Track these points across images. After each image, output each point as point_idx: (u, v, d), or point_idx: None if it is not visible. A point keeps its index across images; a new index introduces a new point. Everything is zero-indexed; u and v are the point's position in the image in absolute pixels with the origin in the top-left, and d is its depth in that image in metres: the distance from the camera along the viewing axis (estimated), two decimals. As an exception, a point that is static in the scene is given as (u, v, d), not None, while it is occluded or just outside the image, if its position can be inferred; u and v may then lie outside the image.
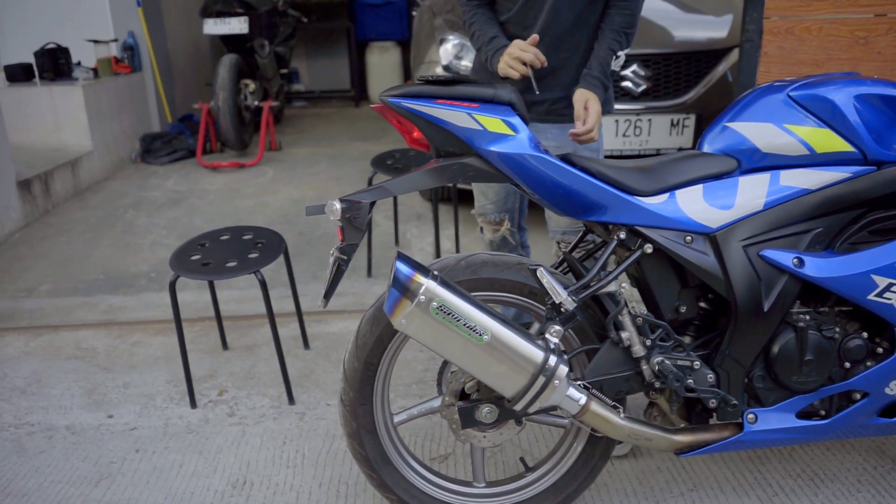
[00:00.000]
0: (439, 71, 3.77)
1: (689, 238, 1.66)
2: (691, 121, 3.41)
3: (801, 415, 1.75)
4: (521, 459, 1.88)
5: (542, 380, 1.53)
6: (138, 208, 4.53)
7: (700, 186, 1.67)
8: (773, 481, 2.02)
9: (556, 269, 1.96)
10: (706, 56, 3.44)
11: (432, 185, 1.69)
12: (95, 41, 5.32)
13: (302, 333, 2.82)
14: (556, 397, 1.56)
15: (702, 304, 1.76)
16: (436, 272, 1.54)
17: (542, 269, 1.61)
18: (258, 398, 2.53)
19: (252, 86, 5.69)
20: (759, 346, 1.69)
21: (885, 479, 2.00)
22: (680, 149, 3.48)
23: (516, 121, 1.61)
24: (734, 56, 3.48)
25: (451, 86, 1.64)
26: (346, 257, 1.66)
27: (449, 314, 1.50)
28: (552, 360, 1.54)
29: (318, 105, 7.98)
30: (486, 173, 1.66)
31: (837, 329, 1.70)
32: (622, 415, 1.65)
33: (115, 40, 5.54)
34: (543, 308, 1.74)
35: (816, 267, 1.65)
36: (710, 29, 3.45)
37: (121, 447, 2.27)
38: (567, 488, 1.83)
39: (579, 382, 1.63)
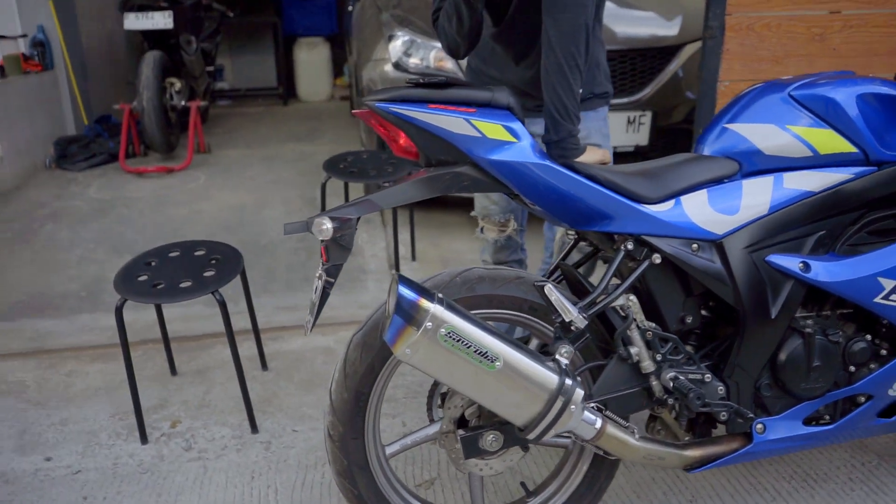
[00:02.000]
0: (388, 69, 3.61)
1: (695, 246, 1.58)
2: (647, 118, 3.38)
3: (808, 421, 1.71)
4: (522, 484, 1.77)
5: (557, 406, 1.42)
6: (58, 220, 4.17)
7: (704, 191, 1.60)
8: (768, 486, 1.98)
9: (550, 278, 1.86)
10: (659, 53, 3.42)
11: (423, 197, 1.56)
12: (1, 37, 4.87)
13: (259, 354, 2.62)
14: (572, 423, 1.46)
15: (703, 313, 1.69)
16: (440, 295, 1.40)
17: (549, 285, 1.49)
18: (217, 428, 2.32)
19: (178, 84, 5.36)
20: (767, 354, 1.63)
21: (874, 476, 2.00)
22: (637, 146, 3.45)
23: (517, 126, 1.49)
24: (686, 53, 3.47)
25: (444, 89, 1.50)
26: (332, 279, 1.50)
27: (458, 341, 1.36)
28: (567, 384, 1.43)
29: (245, 104, 7.65)
30: (482, 183, 1.53)
31: (841, 333, 1.66)
32: (636, 435, 1.56)
33: (24, 36, 5.11)
34: (543, 324, 1.63)
35: (822, 271, 1.61)
36: (662, 26, 3.43)
37: (65, 496, 2.03)
38: (575, 508, 1.73)
39: (592, 404, 1.53)
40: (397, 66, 3.58)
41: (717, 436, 1.70)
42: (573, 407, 1.43)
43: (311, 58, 7.63)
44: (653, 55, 3.39)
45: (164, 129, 5.13)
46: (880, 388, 1.68)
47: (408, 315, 1.35)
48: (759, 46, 2.77)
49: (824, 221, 1.64)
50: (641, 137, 3.40)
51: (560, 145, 1.71)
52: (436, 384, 1.72)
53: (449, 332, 1.36)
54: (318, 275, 1.51)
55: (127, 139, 5.19)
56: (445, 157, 1.53)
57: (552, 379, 1.42)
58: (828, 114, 1.60)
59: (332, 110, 7.27)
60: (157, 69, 5.04)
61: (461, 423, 1.64)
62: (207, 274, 2.17)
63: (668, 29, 3.43)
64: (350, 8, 5.46)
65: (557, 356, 1.49)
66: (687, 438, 1.71)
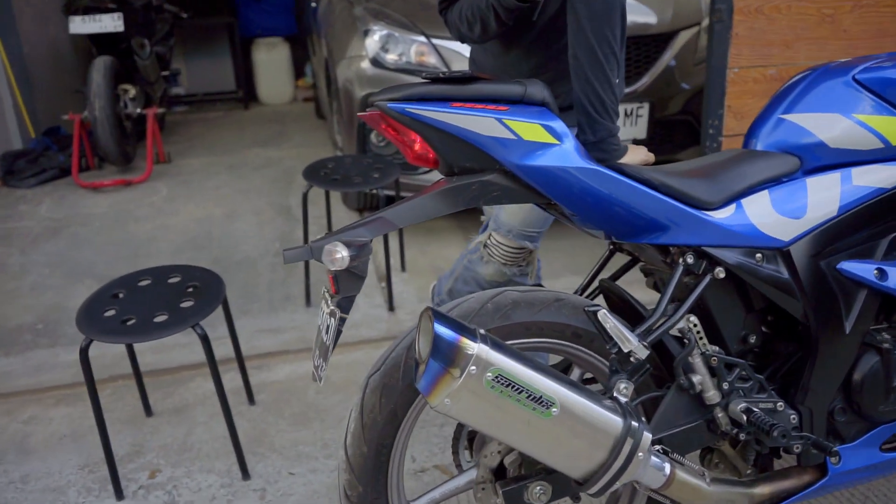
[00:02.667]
0: (365, 66, 3.36)
1: (759, 255, 1.38)
2: (645, 110, 3.19)
3: (885, 446, 1.52)
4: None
5: (624, 454, 1.20)
6: (8, 243, 3.81)
7: (766, 193, 1.40)
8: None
9: (582, 296, 1.65)
10: (653, 41, 3.23)
11: (446, 212, 1.33)
12: (-67, 46, 4.48)
13: (245, 386, 2.35)
14: (639, 472, 1.24)
15: (764, 330, 1.50)
16: (482, 331, 1.17)
17: (604, 311, 1.27)
18: (202, 476, 2.06)
19: (132, 91, 5.01)
20: (842, 374, 1.44)
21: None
22: (635, 140, 3.26)
23: (558, 125, 1.27)
24: (680, 41, 3.29)
25: (466, 84, 1.27)
26: (346, 315, 1.26)
27: (508, 385, 1.14)
28: (634, 426, 1.21)
29: (203, 109, 7.28)
30: (514, 192, 1.31)
31: (921, 345, 1.48)
32: (708, 479, 1.35)
33: (-42, 44, 4.71)
34: (588, 352, 1.42)
35: (900, 278, 1.42)
36: (654, 13, 3.25)
37: (31, 570, 1.75)
38: (627, 565, 1.52)
39: (657, 447, 1.32)
40: (375, 62, 3.33)
41: (784, 468, 1.51)
42: (641, 454, 1.21)
43: (271, 59, 7.30)
44: (647, 43, 3.20)
45: (120, 140, 4.78)
46: (962, 405, 1.50)
47: (447, 359, 1.12)
48: (768, 30, 2.60)
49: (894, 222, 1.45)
50: (639, 131, 3.21)
51: (599, 147, 1.49)
52: (462, 424, 1.49)
53: (497, 377, 1.13)
54: (327, 310, 1.27)
55: (79, 152, 4.83)
56: (471, 164, 1.30)
57: (616, 423, 1.20)
58: (899, 99, 1.41)
59: (297, 113, 6.96)
60: (109, 75, 4.69)
61: (499, 472, 1.41)
62: (185, 305, 1.90)
63: (660, 15, 3.24)
64: (314, 4, 5.17)
65: (616, 394, 1.27)
66: (749, 472, 1.51)
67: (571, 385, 1.20)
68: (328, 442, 2.16)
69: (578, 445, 1.19)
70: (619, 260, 1.66)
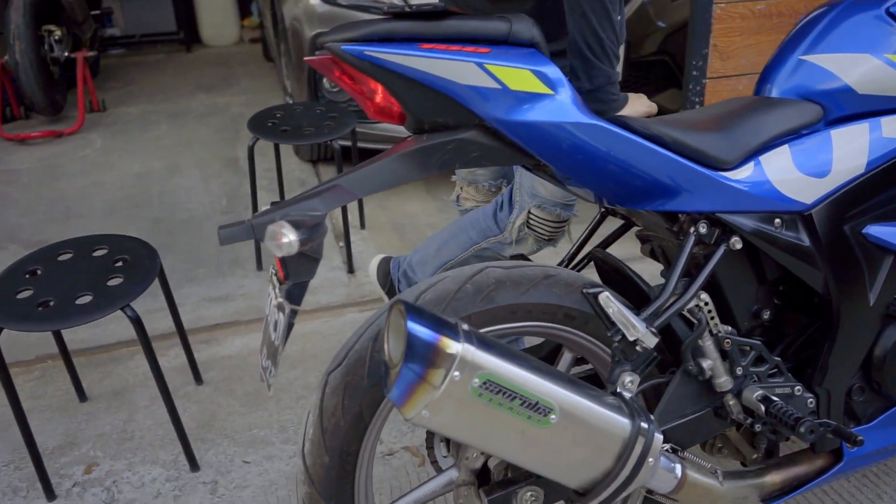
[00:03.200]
0: (314, 2, 3.04)
1: (778, 221, 1.19)
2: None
3: (901, 426, 1.38)
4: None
5: (633, 460, 1.03)
6: (-78, 203, 3.45)
7: (786, 147, 1.21)
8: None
9: (569, 266, 1.45)
10: (628, -27, 2.98)
11: (415, 177, 1.11)
12: None
13: (190, 364, 2.12)
14: (648, 478, 1.07)
15: (776, 304, 1.33)
16: (465, 326, 0.96)
17: (607, 293, 1.08)
18: (146, 468, 1.84)
19: (58, 32, 4.56)
20: (864, 350, 1.29)
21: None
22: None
23: (552, 71, 1.04)
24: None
25: (438, 20, 1.04)
26: (297, 306, 1.04)
27: (499, 392, 0.94)
28: (643, 428, 1.03)
29: (141, 52, 6.76)
30: (496, 152, 1.10)
31: (944, 315, 1.33)
32: (720, 477, 1.19)
33: None
34: (582, 335, 1.23)
35: (931, 242, 1.25)
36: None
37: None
38: (624, 565, 1.36)
39: (667, 446, 1.15)
40: (329, -3, 3.01)
41: (794, 453, 1.36)
42: (651, 459, 1.04)
43: (214, -5, 6.79)
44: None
45: (47, 87, 4.36)
46: None
47: (424, 363, 0.91)
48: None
49: (925, 177, 1.28)
50: (614, 73, 2.98)
51: (596, 96, 1.28)
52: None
53: (485, 383, 0.93)
54: (274, 301, 1.05)
55: (2, 101, 4.40)
56: (445, 119, 1.08)
57: (623, 425, 1.02)
58: (938, 36, 1.22)
59: (244, 55, 6.52)
60: (29, 15, 4.23)
61: (482, 474, 1.23)
62: (113, 282, 1.65)
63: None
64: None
65: (620, 389, 1.08)
66: (755, 458, 1.36)
67: (571, 384, 1.01)
68: (285, 424, 1.96)
69: (580, 454, 1.01)
70: (611, 224, 1.46)
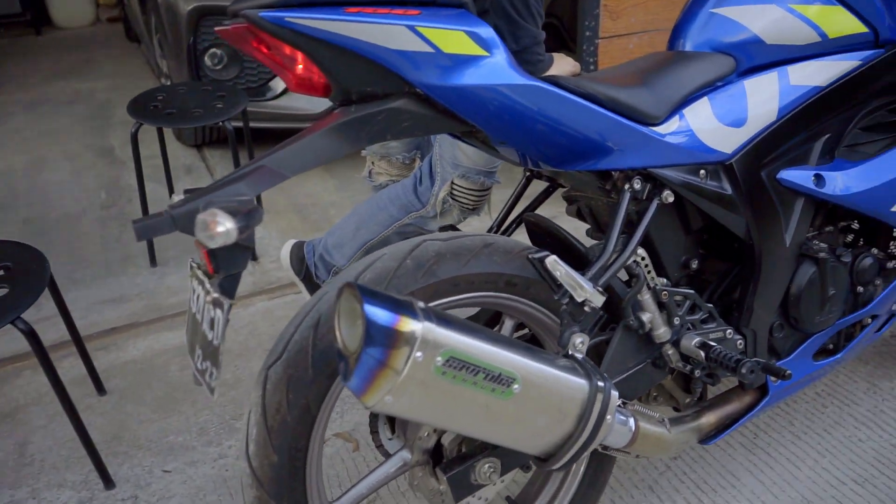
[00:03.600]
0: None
1: (703, 172, 1.22)
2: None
3: (816, 355, 1.47)
4: (509, 499, 1.38)
5: (593, 419, 1.02)
6: None
7: (706, 100, 1.23)
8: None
9: (494, 232, 1.44)
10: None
11: (346, 151, 1.05)
12: None
13: (90, 373, 1.95)
14: (607, 435, 1.07)
15: (701, 252, 1.37)
16: (421, 304, 0.92)
17: (554, 258, 1.06)
18: (52, 493, 1.68)
19: None
20: (783, 289, 1.35)
21: (841, 387, 1.86)
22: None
23: (486, 31, 1.01)
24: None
25: (363, -20, 0.97)
26: (231, 299, 0.96)
27: (462, 368, 0.90)
28: (599, 387, 1.03)
29: (-18, 37, 6.13)
30: (429, 121, 1.06)
31: (850, 251, 1.42)
32: (668, 425, 1.22)
33: None
34: (524, 301, 1.22)
35: (837, 183, 1.33)
36: None
37: None
38: (576, 521, 1.39)
39: (620, 402, 1.15)
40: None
41: (724, 393, 1.42)
42: (609, 417, 1.04)
43: (61, -27, 6.23)
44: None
45: None
46: (884, 306, 1.48)
47: (385, 347, 0.86)
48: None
49: (826, 122, 1.35)
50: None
51: (523, 57, 1.25)
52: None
53: (448, 360, 0.89)
54: (205, 297, 0.96)
55: None
56: (374, 88, 1.02)
57: (581, 386, 1.02)
58: (838, -14, 1.28)
59: (102, 36, 6.04)
60: None
61: (436, 453, 1.20)
62: (-3, 293, 1.48)
63: None
64: None
65: (572, 351, 1.08)
66: (688, 401, 1.41)
67: (527, 352, 0.99)
68: (205, 426, 1.85)
69: (543, 420, 1.00)
70: (536, 187, 1.45)
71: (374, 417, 1.28)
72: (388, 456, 1.25)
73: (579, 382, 1.02)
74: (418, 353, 0.86)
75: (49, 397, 1.95)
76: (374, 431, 1.28)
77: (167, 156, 2.70)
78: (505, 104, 1.02)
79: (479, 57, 1.00)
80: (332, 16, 0.94)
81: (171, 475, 1.71)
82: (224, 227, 0.86)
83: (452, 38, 0.98)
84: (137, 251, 2.61)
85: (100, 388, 1.96)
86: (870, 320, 1.49)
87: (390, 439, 1.29)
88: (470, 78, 1.00)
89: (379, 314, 0.85)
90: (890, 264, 1.46)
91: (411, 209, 1.75)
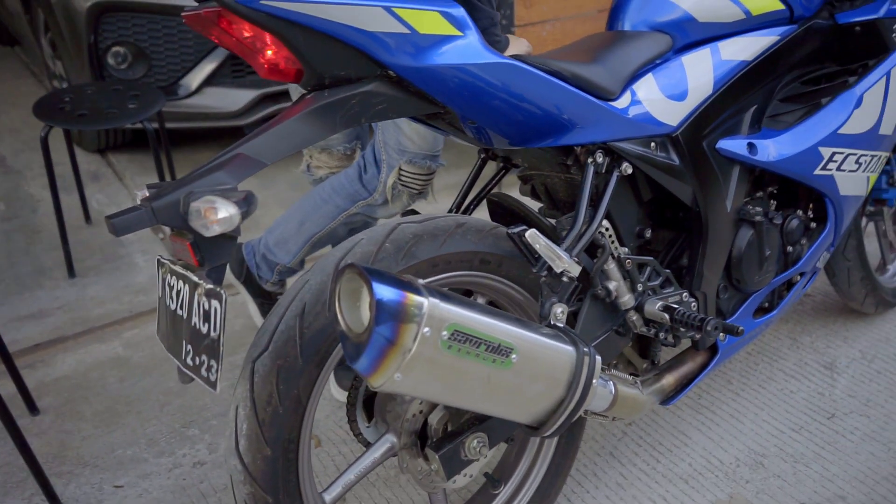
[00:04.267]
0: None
1: (653, 144, 1.29)
2: None
3: (755, 313, 1.59)
4: (487, 475, 1.41)
5: (581, 385, 1.07)
6: None
7: (650, 76, 1.30)
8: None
9: (458, 211, 1.46)
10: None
11: (321, 137, 1.06)
12: None
13: (21, 391, 1.82)
14: (592, 399, 1.12)
15: (650, 222, 1.44)
16: (422, 281, 0.93)
17: (533, 231, 1.10)
18: (-7, 522, 1.57)
19: None
20: (726, 252, 1.45)
21: (767, 343, 2.01)
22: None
23: (459, 12, 1.03)
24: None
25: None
26: (221, 289, 0.94)
27: (466, 341, 0.92)
28: (584, 352, 1.07)
29: None
30: (401, 103, 1.07)
31: (779, 214, 1.53)
32: (640, 387, 1.28)
33: None
34: (498, 279, 1.25)
35: (767, 150, 1.44)
36: None
37: None
38: (553, 488, 1.43)
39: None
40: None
41: (678, 355, 1.50)
42: (595, 381, 1.09)
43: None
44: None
45: None
46: (810, 263, 1.61)
47: (395, 325, 0.87)
48: None
49: (755, 94, 1.45)
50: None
51: None
52: (355, 391, 1.25)
53: (453, 334, 0.91)
54: (198, 291, 0.93)
55: None
56: (347, 71, 1.02)
57: (569, 353, 1.06)
58: (757, -33, 1.38)
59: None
60: None
61: (421, 434, 1.22)
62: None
63: None
64: None
65: (554, 321, 1.12)
66: (645, 366, 1.49)
67: (519, 323, 1.02)
68: (154, 437, 1.77)
69: (537, 388, 1.03)
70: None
71: (350, 407, 1.27)
72: (367, 444, 1.25)
73: (567, 349, 1.06)
74: (426, 329, 0.88)
75: (-26, 423, 1.81)
76: (352, 420, 1.28)
77: (76, 160, 2.55)
78: (479, 83, 1.04)
79: (453, 37, 1.01)
80: (309, -2, 0.93)
81: (124, 490, 1.63)
82: (226, 212, 0.84)
83: (427, 18, 0.99)
84: (52, 263, 2.45)
85: (32, 408, 1.84)
86: (798, 277, 1.61)
87: (368, 427, 1.29)
88: (445, 58, 1.01)
89: (387, 292, 0.86)
90: (812, 225, 1.59)
91: (358, 198, 1.74)
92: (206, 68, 2.82)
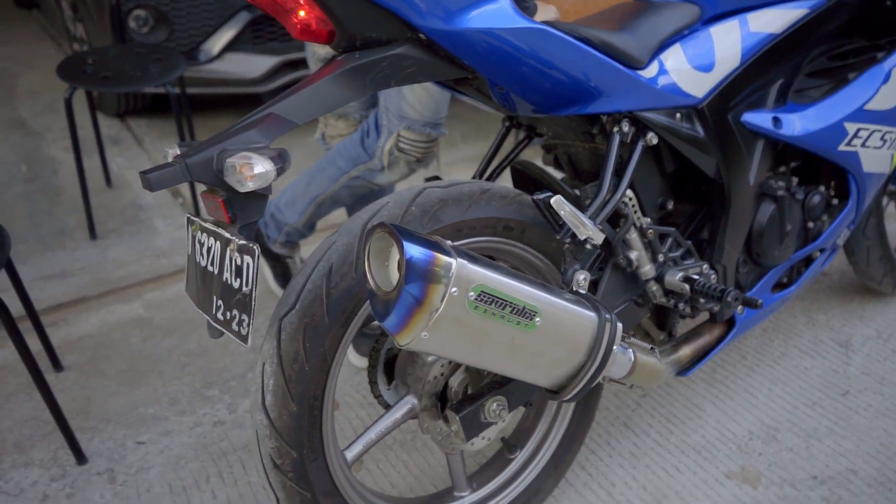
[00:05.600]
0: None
1: (678, 115, 1.29)
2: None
3: (774, 288, 1.59)
4: (504, 440, 1.44)
5: (601, 350, 1.08)
6: None
7: (678, 46, 1.30)
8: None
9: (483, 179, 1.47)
10: None
11: (351, 99, 1.07)
12: None
13: (46, 348, 1.86)
14: (612, 365, 1.13)
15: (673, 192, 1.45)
16: (449, 242, 0.94)
17: (559, 197, 1.11)
18: (19, 473, 1.61)
19: None
20: (747, 226, 1.45)
21: (783, 320, 2.01)
22: None
23: (491, -26, 1.02)
24: None
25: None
26: (254, 244, 0.95)
27: (492, 302, 0.94)
28: (606, 318, 1.09)
29: None
30: (431, 67, 1.08)
31: (802, 188, 1.53)
32: (658, 355, 1.30)
33: None
34: (521, 245, 1.26)
35: (793, 124, 1.43)
36: None
37: None
38: (568, 454, 1.46)
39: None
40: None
41: (696, 327, 1.52)
42: (616, 347, 1.10)
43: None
44: None
45: None
46: (830, 240, 1.61)
47: (424, 284, 0.88)
48: None
49: (782, 68, 1.44)
50: None
51: None
52: (376, 354, 1.27)
53: (480, 294, 0.92)
54: (231, 247, 0.95)
55: None
56: (379, 33, 1.03)
57: (591, 319, 1.07)
58: (788, -70, 1.37)
59: (-12, 2, 5.60)
60: None
61: (441, 397, 1.24)
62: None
63: None
64: None
65: (576, 287, 1.13)
66: (662, 337, 1.50)
67: (543, 287, 1.03)
68: (175, 396, 1.81)
69: (559, 352, 1.05)
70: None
71: (371, 370, 1.29)
72: (387, 406, 1.27)
73: (589, 315, 1.07)
74: (454, 289, 0.89)
75: (1, 376, 1.86)
76: (372, 382, 1.30)
77: (98, 123, 2.57)
78: (509, 48, 1.04)
79: (484, 1, 1.01)
80: (343, -42, 0.93)
81: (146, 446, 1.67)
82: (262, 168, 0.86)
83: (461, -19, 0.99)
84: (73, 224, 2.48)
85: (56, 365, 1.88)
86: (818, 254, 1.61)
87: (388, 389, 1.31)
88: (476, 22, 1.01)
89: (417, 252, 0.87)
90: (834, 201, 1.59)
91: (359, 161, 1.75)
92: (227, 34, 2.82)
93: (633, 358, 1.20)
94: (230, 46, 2.84)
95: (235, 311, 0.94)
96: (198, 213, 2.49)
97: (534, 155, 1.86)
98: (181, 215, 2.57)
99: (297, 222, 1.85)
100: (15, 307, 1.65)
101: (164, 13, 2.77)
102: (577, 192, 1.28)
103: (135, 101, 3.19)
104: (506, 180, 1.48)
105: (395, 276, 0.91)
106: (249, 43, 2.87)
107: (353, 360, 1.85)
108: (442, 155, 1.82)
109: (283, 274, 1.97)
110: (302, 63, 2.86)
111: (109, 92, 2.58)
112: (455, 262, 0.90)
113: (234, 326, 0.94)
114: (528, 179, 1.38)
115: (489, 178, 1.46)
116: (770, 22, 1.38)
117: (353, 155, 1.78)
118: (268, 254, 1.96)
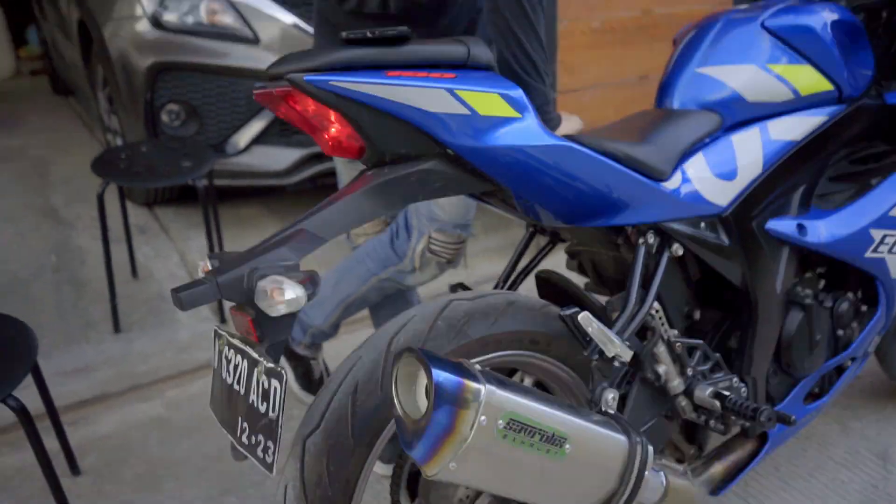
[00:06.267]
0: (143, 28, 2.79)
1: (703, 225, 1.29)
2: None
3: (806, 399, 1.55)
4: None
5: (633, 476, 1.04)
6: None
7: (700, 155, 1.31)
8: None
9: (505, 288, 1.46)
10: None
11: (381, 214, 1.07)
12: None
13: (64, 451, 1.84)
14: (643, 491, 1.09)
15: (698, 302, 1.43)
16: (478, 366, 0.93)
17: (586, 314, 1.09)
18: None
19: None
20: (776, 335, 1.42)
21: (817, 431, 1.95)
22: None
23: (518, 94, 1.05)
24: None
25: (400, 44, 1.00)
26: (279, 367, 0.94)
27: (521, 430, 0.91)
28: (636, 442, 1.05)
29: None
30: (458, 181, 1.09)
31: (829, 296, 1.51)
32: (691, 477, 1.25)
33: None
34: (546, 359, 1.24)
35: (818, 231, 1.42)
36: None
37: None
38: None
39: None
40: (157, 23, 2.77)
41: (725, 443, 1.47)
42: (647, 473, 1.06)
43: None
44: None
45: None
46: (862, 348, 1.57)
47: (453, 412, 0.86)
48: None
49: (804, 174, 1.45)
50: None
51: None
52: (399, 470, 1.24)
53: (509, 423, 0.90)
54: (258, 368, 0.94)
55: None
56: (407, 149, 1.05)
57: (622, 443, 1.04)
58: (806, 47, 1.40)
59: (25, 89, 5.85)
60: None
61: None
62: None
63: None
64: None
65: (605, 407, 1.10)
66: (692, 452, 1.45)
67: (571, 410, 1.00)
68: (191, 502, 1.76)
69: (590, 480, 1.01)
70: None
71: (395, 486, 1.26)
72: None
73: (620, 439, 1.04)
74: (483, 417, 0.87)
75: (18, 481, 1.83)
76: (395, 501, 1.26)
77: (127, 213, 2.62)
78: (535, 164, 1.05)
79: (512, 119, 1.03)
80: (374, 80, 0.96)
81: (161, 556, 1.62)
82: (293, 294, 0.86)
83: (488, 100, 1.01)
84: (99, 317, 2.50)
85: (74, 468, 1.85)
86: (849, 362, 1.57)
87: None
88: (504, 139, 1.03)
89: (448, 379, 0.86)
90: (863, 308, 1.56)
91: (388, 263, 1.76)
92: (255, 127, 2.91)
93: (664, 482, 1.16)
94: (257, 140, 2.92)
95: (261, 437, 0.92)
96: (222, 316, 2.50)
97: (556, 254, 1.86)
98: (204, 307, 2.58)
99: (323, 324, 1.84)
100: (35, 404, 1.64)
101: (195, 108, 2.87)
102: (602, 301, 1.27)
103: (164, 191, 3.27)
104: (529, 285, 1.48)
105: (423, 402, 0.89)
106: (276, 136, 2.95)
107: (376, 469, 1.81)
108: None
109: (304, 374, 1.95)
110: (327, 156, 2.92)
111: (141, 187, 2.64)
112: (484, 389, 0.88)
113: (259, 453, 0.92)
114: (552, 289, 1.37)
115: (513, 285, 1.45)
116: (790, 129, 1.40)
117: (382, 257, 1.79)
118: (290, 354, 1.94)
